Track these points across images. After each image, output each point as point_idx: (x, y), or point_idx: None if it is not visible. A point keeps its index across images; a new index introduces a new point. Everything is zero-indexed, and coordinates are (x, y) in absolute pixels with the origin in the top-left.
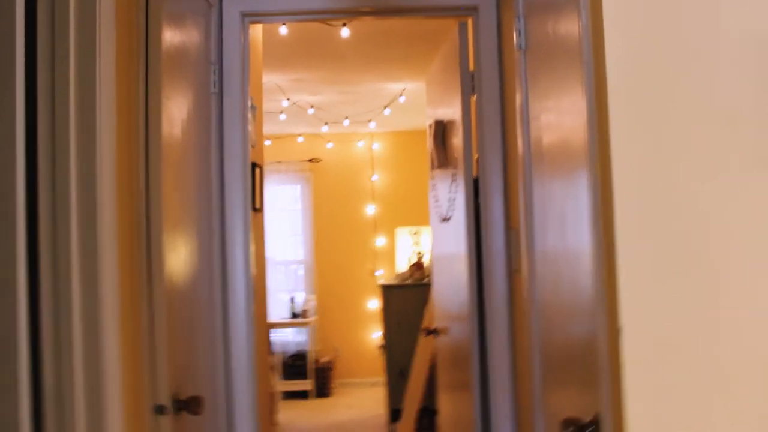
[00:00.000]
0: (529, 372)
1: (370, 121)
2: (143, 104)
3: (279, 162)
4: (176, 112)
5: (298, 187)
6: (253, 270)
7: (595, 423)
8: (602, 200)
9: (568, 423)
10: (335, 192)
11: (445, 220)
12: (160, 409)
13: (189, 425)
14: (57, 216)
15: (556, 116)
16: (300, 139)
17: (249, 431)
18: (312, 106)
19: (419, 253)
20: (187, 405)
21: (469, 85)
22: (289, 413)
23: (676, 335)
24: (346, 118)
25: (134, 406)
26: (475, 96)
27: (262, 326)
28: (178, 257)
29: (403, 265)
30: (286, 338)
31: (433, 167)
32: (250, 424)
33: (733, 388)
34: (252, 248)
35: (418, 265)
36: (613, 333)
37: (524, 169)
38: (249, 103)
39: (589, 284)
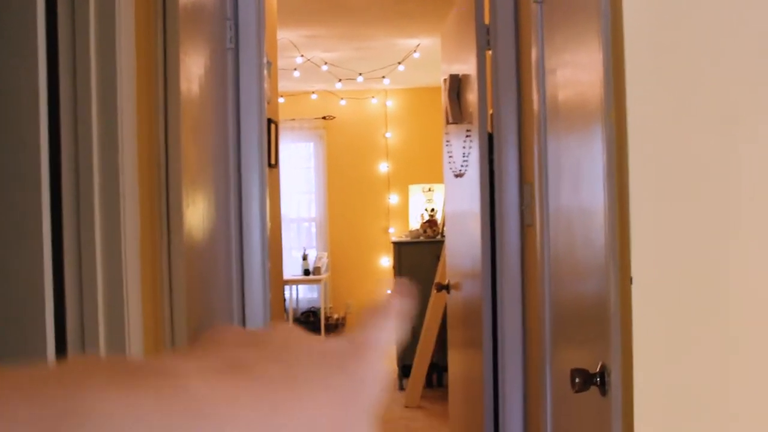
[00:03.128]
0: (538, 327)
1: (383, 77)
2: (162, 60)
3: (293, 119)
4: (194, 67)
5: (311, 144)
6: (268, 225)
7: (602, 373)
8: (617, 154)
9: (575, 373)
10: (348, 149)
11: (459, 175)
12: None
13: None
14: (80, 170)
15: (572, 71)
16: (314, 96)
17: None
18: (326, 63)
19: (432, 210)
20: None
21: (485, 39)
22: None
23: (686, 288)
24: (360, 74)
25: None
26: (490, 50)
27: (277, 282)
28: (196, 211)
29: (415, 222)
30: (299, 295)
31: (447, 122)
32: None
33: (741, 338)
34: (268, 204)
35: (431, 222)
36: (624, 284)
37: (539, 124)
38: (265, 59)
39: (602, 238)
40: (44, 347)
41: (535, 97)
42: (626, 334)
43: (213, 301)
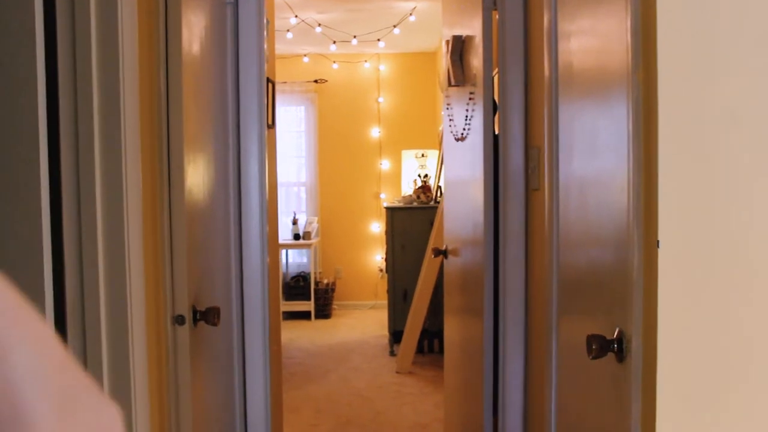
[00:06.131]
0: (543, 293)
1: (378, 40)
2: (163, 11)
3: (284, 82)
4: (194, 21)
5: (303, 108)
6: (267, 185)
7: (619, 339)
8: (644, 115)
9: (591, 340)
10: (340, 114)
11: (460, 139)
12: (180, 320)
13: (206, 336)
14: (79, 125)
15: (592, 26)
16: (306, 59)
17: (260, 344)
18: (320, 25)
19: (426, 176)
20: (205, 315)
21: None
22: (290, 333)
23: (714, 251)
24: (354, 37)
25: (155, 316)
26: (496, 11)
27: (273, 244)
28: (197, 171)
29: (408, 188)
30: (288, 260)
31: (449, 85)
32: (260, 337)
33: None
34: (267, 165)
35: (424, 188)
36: (649, 248)
37: (550, 88)
38: (265, 16)
39: (623, 201)
40: (42, 302)
41: (546, 60)
42: (649, 299)
43: (214, 259)
